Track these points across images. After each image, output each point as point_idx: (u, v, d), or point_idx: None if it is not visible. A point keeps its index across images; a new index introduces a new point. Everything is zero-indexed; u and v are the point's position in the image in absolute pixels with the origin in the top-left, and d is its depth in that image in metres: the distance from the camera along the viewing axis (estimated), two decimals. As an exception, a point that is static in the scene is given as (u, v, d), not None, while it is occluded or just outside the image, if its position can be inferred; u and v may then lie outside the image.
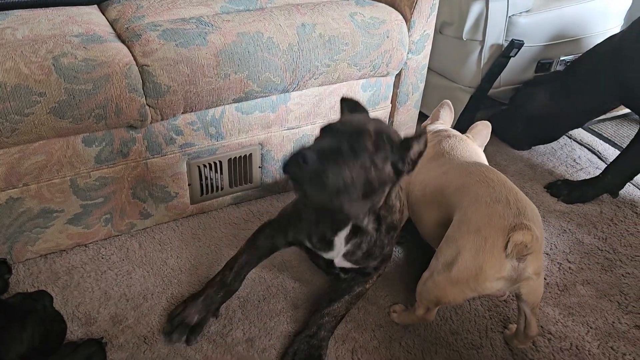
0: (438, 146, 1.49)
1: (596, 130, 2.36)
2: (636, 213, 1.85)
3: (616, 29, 2.27)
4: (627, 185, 1.97)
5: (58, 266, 1.53)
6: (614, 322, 1.45)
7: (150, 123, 1.46)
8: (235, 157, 1.70)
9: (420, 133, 1.07)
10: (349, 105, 1.24)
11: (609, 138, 2.31)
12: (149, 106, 1.41)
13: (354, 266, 1.37)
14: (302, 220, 1.34)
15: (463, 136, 1.57)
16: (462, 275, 1.14)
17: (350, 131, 1.05)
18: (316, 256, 1.40)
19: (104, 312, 1.40)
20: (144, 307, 1.43)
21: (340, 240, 1.28)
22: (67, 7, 1.62)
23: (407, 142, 1.08)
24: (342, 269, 1.41)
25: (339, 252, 1.31)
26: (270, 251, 1.43)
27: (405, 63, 1.82)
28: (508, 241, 1.08)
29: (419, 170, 1.34)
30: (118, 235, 1.65)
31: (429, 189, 1.37)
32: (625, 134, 2.33)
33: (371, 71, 1.72)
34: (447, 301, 1.21)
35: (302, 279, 1.55)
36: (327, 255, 1.34)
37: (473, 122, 2.26)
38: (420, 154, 1.09)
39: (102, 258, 1.57)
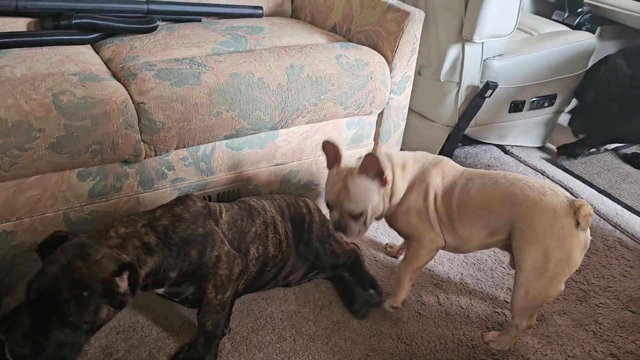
0: (437, 174, 1.47)
1: (567, 167, 2.47)
2: (607, 246, 1.94)
3: (582, 73, 2.41)
4: (598, 219, 2.07)
5: (47, 300, 1.54)
6: (590, 351, 1.51)
7: (144, 158, 1.51)
8: (224, 192, 1.75)
9: (124, 266, 1.15)
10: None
11: (580, 175, 2.42)
12: (143, 142, 1.46)
13: (178, 288, 1.39)
14: None
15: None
16: (558, 269, 1.31)
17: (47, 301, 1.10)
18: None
19: (95, 344, 1.41)
20: (134, 339, 1.44)
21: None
22: (62, 47, 1.68)
23: (110, 283, 1.13)
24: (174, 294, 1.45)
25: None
26: None
27: (388, 103, 1.91)
28: (578, 218, 1.28)
29: (441, 199, 1.44)
30: (107, 269, 1.66)
31: (472, 208, 1.41)
32: (594, 171, 2.46)
33: (356, 110, 1.80)
34: (550, 300, 1.40)
35: (288, 310, 1.58)
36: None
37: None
38: (134, 284, 1.17)
39: (92, 291, 1.58)
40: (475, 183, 1.43)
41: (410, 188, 1.47)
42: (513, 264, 1.51)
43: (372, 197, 1.40)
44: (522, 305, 1.38)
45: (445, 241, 1.48)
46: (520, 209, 1.33)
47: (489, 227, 1.41)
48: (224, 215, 1.45)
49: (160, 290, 1.36)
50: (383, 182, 1.40)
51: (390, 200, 1.46)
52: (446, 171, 1.48)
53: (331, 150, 1.46)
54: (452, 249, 1.51)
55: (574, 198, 1.32)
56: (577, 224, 1.28)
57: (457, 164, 1.53)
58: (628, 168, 2.26)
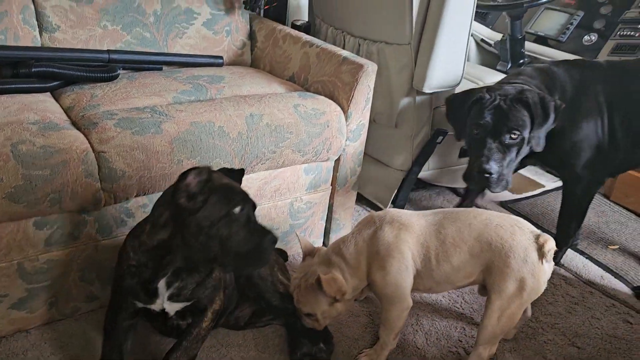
0: (404, 232, 1.50)
1: (514, 208, 2.60)
2: (553, 284, 2.04)
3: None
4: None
5: (-3, 353, 1.49)
6: (540, 387, 1.58)
7: (103, 206, 1.51)
8: (184, 238, 1.76)
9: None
10: None
11: (526, 215, 2.54)
12: (103, 190, 1.47)
13: (187, 303, 1.37)
14: (124, 284, 1.33)
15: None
16: (531, 295, 1.46)
17: None
18: (153, 318, 1.41)
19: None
20: (89, 391, 1.41)
21: (162, 284, 1.31)
22: (20, 95, 1.68)
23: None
24: (178, 314, 1.40)
25: (163, 298, 1.33)
26: (126, 332, 1.41)
27: (344, 149, 1.98)
28: (543, 252, 1.42)
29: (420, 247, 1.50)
30: (61, 320, 1.63)
31: (452, 254, 1.48)
32: (539, 212, 2.59)
33: (313, 157, 1.86)
34: (513, 325, 1.54)
35: (248, 356, 1.58)
36: (156, 306, 1.34)
37: (406, 202, 2.45)
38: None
39: (45, 343, 1.54)
40: (449, 229, 1.50)
41: (380, 257, 1.48)
42: (483, 291, 1.60)
43: (320, 305, 1.49)
44: (491, 332, 1.47)
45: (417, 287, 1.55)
46: (497, 250, 1.45)
47: (467, 270, 1.50)
48: None
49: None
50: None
51: (355, 288, 1.53)
52: (407, 224, 1.51)
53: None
54: (426, 290, 1.59)
55: (538, 232, 1.47)
56: (542, 256, 1.42)
57: (402, 211, 1.58)
58: (570, 209, 2.40)
